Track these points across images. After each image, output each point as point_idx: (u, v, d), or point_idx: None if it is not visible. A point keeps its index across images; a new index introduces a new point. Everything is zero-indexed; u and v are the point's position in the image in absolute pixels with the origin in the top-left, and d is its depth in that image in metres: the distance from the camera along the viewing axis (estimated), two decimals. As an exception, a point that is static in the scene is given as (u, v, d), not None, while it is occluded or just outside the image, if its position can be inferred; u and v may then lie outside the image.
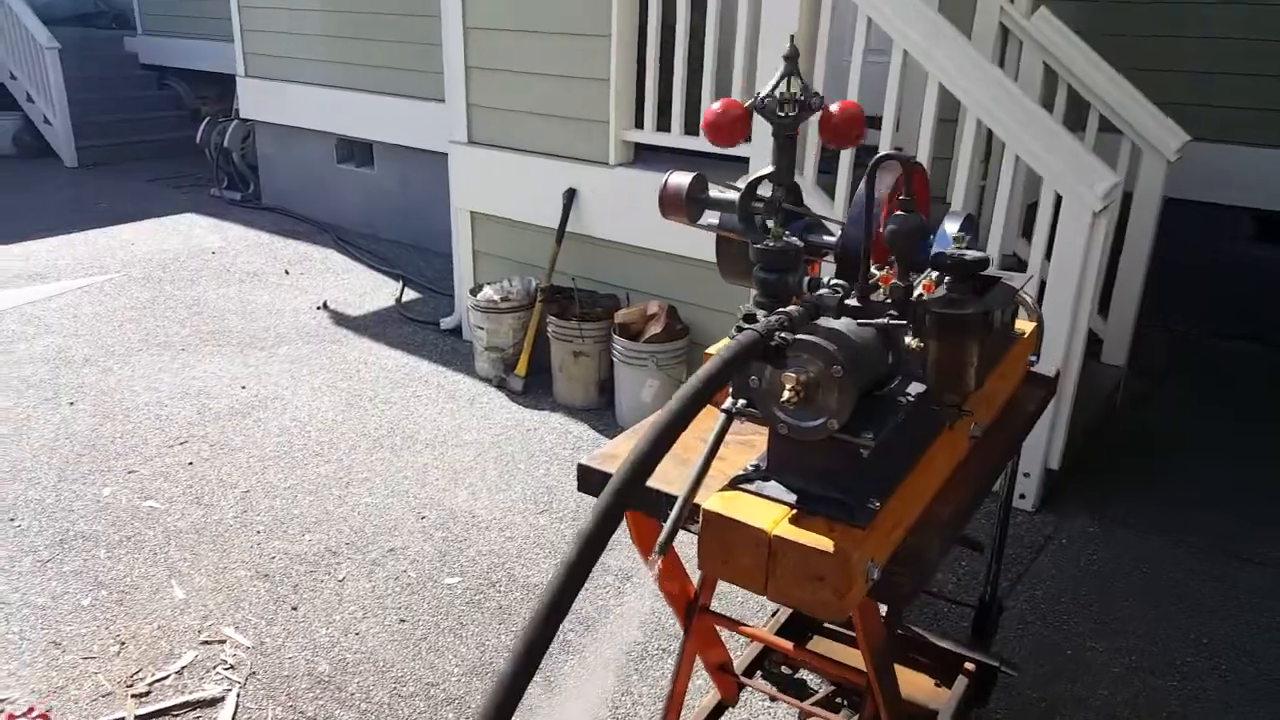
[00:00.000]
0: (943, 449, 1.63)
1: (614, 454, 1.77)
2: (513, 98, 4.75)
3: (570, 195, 4.61)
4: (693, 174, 1.66)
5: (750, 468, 1.45)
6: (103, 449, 3.94)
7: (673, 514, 1.53)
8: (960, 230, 1.89)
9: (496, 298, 4.58)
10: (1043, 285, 3.52)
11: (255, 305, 5.68)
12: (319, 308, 5.64)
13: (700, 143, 4.31)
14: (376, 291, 5.99)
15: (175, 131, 9.87)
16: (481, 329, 4.62)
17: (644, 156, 4.64)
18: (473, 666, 2.73)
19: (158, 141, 9.81)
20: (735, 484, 1.42)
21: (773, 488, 1.41)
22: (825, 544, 1.28)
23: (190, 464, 3.85)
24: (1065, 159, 3.34)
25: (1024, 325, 2.10)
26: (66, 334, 5.15)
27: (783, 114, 1.52)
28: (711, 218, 1.65)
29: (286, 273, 6.29)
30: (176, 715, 2.54)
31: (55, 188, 8.44)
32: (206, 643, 2.81)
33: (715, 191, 1.65)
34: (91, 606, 2.95)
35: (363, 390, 4.57)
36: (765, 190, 1.68)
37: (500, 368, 4.61)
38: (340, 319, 5.50)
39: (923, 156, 3.68)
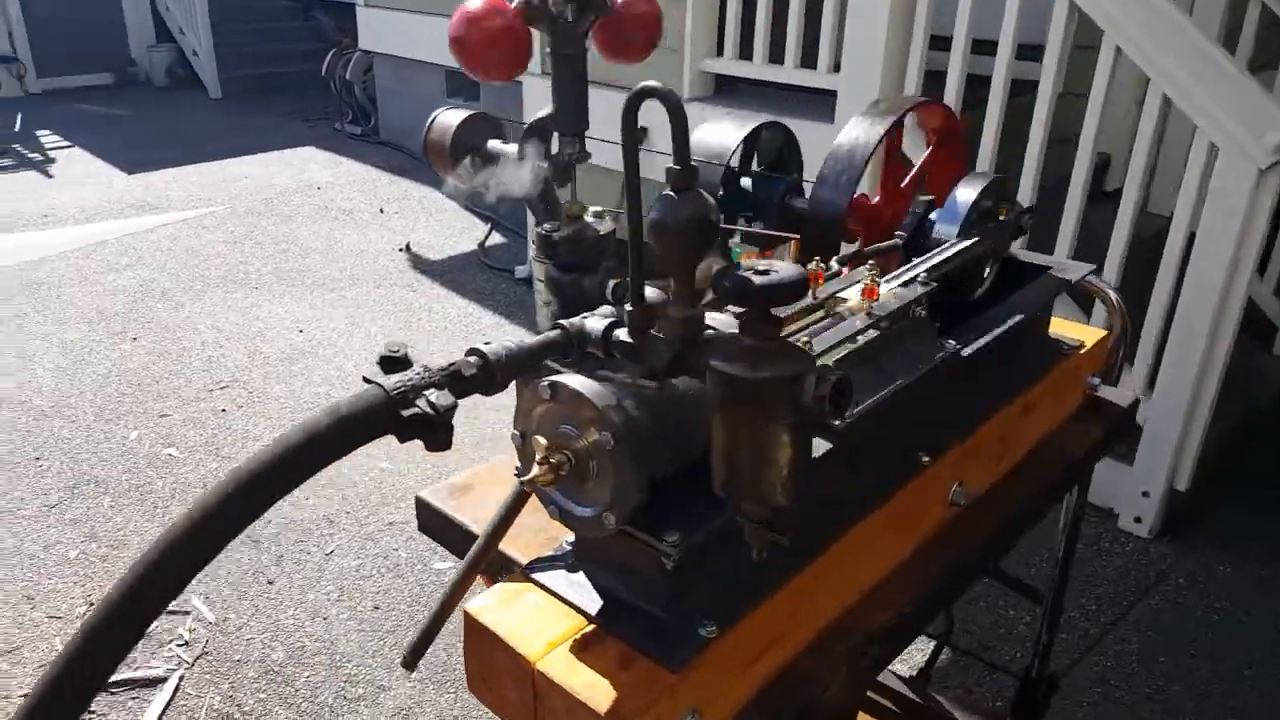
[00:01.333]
0: (891, 522, 1.14)
1: (466, 485, 1.37)
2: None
3: (641, 135, 4.13)
4: (468, 113, 1.20)
5: (567, 545, 1.02)
6: (147, 389, 3.88)
7: (425, 621, 1.14)
8: (983, 198, 1.36)
9: (557, 247, 4.19)
10: (1189, 251, 2.80)
11: (341, 244, 5.55)
12: (400, 249, 5.45)
13: (788, 72, 3.74)
14: (464, 234, 5.74)
15: (316, 64, 9.93)
16: (541, 280, 4.26)
17: (728, 89, 4.10)
18: (432, 673, 2.43)
19: (298, 74, 9.91)
20: (530, 571, 0.99)
21: (577, 585, 0.97)
22: (599, 695, 0.84)
23: (223, 411, 3.72)
24: (1223, 99, 2.59)
25: (1083, 331, 1.53)
26: (155, 266, 5.18)
27: (559, 16, 1.03)
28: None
29: (381, 211, 6.14)
30: (114, 692, 2.38)
31: (193, 119, 8.67)
32: (172, 612, 2.64)
33: (497, 144, 1.19)
34: (77, 560, 2.85)
35: (416, 341, 4.33)
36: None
37: (559, 324, 4.25)
38: (418, 262, 5.29)
39: (1046, 90, 2.98)
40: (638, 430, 0.78)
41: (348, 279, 5.04)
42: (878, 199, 1.46)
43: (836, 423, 0.73)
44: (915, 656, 2.41)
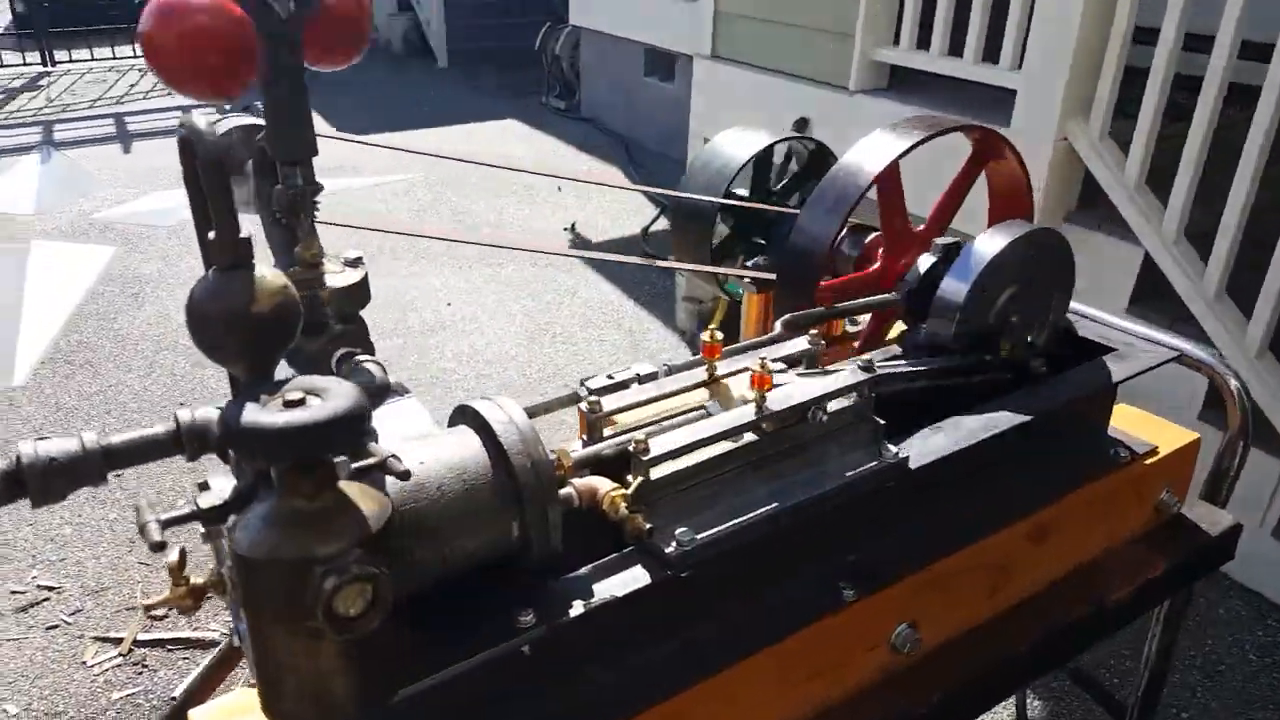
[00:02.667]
0: (792, 671, 0.87)
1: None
2: (756, 1, 4.02)
3: (801, 127, 3.83)
4: (240, 124, 1.01)
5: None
6: (296, 348, 4.06)
7: None
8: (1011, 253, 1.03)
9: (701, 241, 3.98)
10: None
11: (512, 221, 5.61)
12: (566, 229, 5.43)
13: (967, 66, 3.31)
14: (632, 217, 5.63)
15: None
16: (682, 276, 4.07)
17: (900, 82, 3.69)
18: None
19: (520, 47, 10.17)
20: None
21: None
22: None
23: (354, 378, 3.83)
24: None
25: (1164, 431, 1.15)
26: (338, 230, 5.44)
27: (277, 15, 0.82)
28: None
29: (559, 189, 6.15)
30: (170, 649, 2.46)
31: (416, 86, 9.11)
32: (246, 576, 2.72)
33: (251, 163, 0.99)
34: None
35: (553, 325, 4.27)
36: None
37: (695, 322, 4.05)
38: (579, 244, 5.24)
39: (1270, 99, 2.41)
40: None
41: (507, 255, 5.06)
42: (879, 245, 1.16)
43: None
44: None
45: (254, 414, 0.48)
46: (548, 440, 0.83)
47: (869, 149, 1.12)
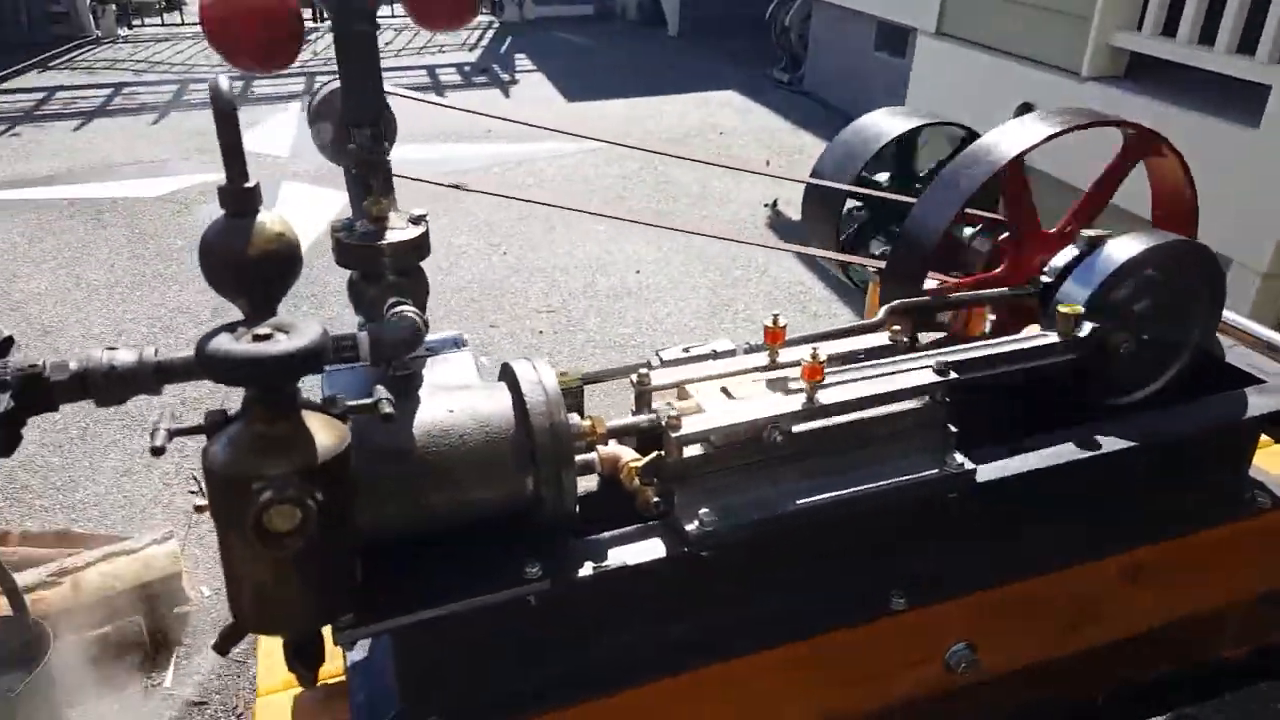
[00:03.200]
0: (823, 671, 0.85)
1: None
2: (986, -19, 3.78)
3: (1023, 113, 3.56)
4: None
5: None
6: (493, 299, 4.30)
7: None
8: (1141, 263, 0.94)
9: (896, 228, 3.82)
10: None
11: (713, 193, 5.62)
12: (766, 205, 5.37)
13: (1217, 57, 2.97)
14: (837, 197, 5.48)
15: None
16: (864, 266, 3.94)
17: (1141, 72, 3.36)
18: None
19: (751, 16, 10.08)
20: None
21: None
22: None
23: (540, 332, 4.00)
24: None
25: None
26: (551, 190, 5.68)
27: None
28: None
29: (767, 163, 6.09)
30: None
31: (644, 54, 9.27)
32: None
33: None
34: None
35: (735, 300, 4.26)
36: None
37: (882, 310, 3.90)
38: (777, 221, 5.18)
39: None
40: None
41: (702, 227, 5.09)
42: (1010, 239, 1.07)
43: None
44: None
45: (220, 343, 0.53)
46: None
47: (1002, 136, 1.04)
